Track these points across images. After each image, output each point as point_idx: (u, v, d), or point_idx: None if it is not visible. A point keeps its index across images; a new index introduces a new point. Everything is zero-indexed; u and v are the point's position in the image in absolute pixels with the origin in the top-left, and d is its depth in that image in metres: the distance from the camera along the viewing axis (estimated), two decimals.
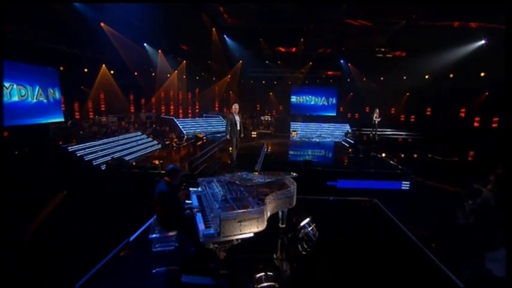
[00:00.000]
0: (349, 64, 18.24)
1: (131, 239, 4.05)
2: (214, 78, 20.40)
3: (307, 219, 3.82)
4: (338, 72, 19.59)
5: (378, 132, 14.04)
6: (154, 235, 3.20)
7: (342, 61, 18.28)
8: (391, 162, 9.07)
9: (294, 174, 4.04)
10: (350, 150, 11.64)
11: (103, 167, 7.73)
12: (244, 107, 22.06)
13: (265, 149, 10.82)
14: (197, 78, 19.81)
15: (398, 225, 5.14)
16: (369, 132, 14.24)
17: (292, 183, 3.79)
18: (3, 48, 7.57)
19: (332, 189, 7.42)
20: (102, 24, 10.95)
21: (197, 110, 21.52)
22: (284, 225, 4.14)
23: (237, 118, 7.50)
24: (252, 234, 2.79)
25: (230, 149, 7.98)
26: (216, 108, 21.71)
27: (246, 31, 15.04)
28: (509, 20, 2.79)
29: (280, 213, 3.98)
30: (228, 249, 2.91)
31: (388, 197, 6.78)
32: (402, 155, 11.04)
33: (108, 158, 8.16)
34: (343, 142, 13.80)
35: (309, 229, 3.73)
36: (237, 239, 2.79)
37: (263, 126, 17.82)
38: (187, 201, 3.91)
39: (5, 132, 7.83)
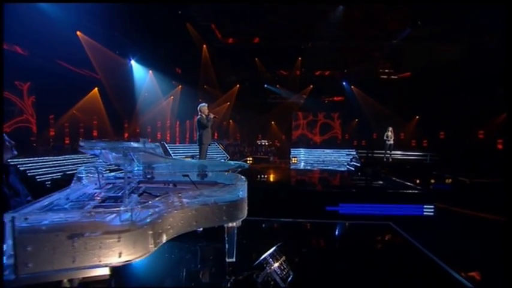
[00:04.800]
0: (352, 87, 17.22)
1: None
2: (212, 104, 19.57)
3: (273, 249, 2.19)
4: (342, 97, 18.53)
5: (391, 155, 12.22)
6: None
7: (344, 83, 17.29)
8: (407, 183, 7.37)
9: (248, 161, 2.50)
10: (358, 173, 9.99)
11: (48, 184, 6.34)
12: (243, 135, 20.98)
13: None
14: (194, 103, 19.00)
15: (428, 256, 3.42)
16: (382, 155, 12.41)
17: (242, 181, 2.24)
18: (3, 48, 6.87)
19: (333, 217, 5.74)
20: (78, 32, 10.28)
21: (195, 138, 20.52)
22: (233, 260, 2.39)
23: None
24: (107, 271, 1.26)
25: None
26: (215, 136, 20.69)
27: (240, 51, 14.37)
28: (509, 20, 2.72)
29: (226, 238, 2.32)
30: None
31: (407, 225, 5.04)
32: (418, 180, 9.29)
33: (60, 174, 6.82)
34: (348, 166, 12.14)
35: (275, 266, 2.11)
36: (71, 280, 1.26)
37: (261, 153, 16.40)
38: None
39: None
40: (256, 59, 15.29)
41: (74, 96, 12.64)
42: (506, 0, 2.79)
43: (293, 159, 15.08)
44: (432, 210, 5.79)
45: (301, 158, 15.42)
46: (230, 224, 2.11)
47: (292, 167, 13.14)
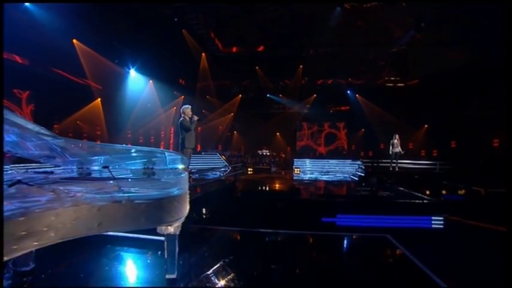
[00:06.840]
0: (357, 95, 16.74)
1: None
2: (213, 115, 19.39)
3: (218, 265, 1.72)
4: (347, 106, 18.03)
5: (398, 164, 11.41)
6: None
7: (349, 92, 16.85)
8: (414, 193, 6.75)
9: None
10: (362, 183, 9.39)
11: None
12: (247, 146, 20.59)
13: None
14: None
15: (429, 277, 2.85)
16: (388, 165, 11.70)
17: (180, 175, 1.78)
18: (3, 49, 6.86)
19: (329, 229, 5.18)
20: (74, 40, 10.31)
21: (198, 149, 20.31)
22: (174, 276, 1.88)
23: None
24: None
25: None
26: (219, 148, 20.42)
27: (241, 60, 14.20)
28: (509, 19, 2.70)
29: (165, 249, 1.80)
30: None
31: (412, 239, 4.42)
32: (428, 191, 8.58)
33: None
34: (352, 176, 11.53)
35: (220, 285, 1.65)
36: None
37: (264, 163, 15.92)
38: None
39: None
40: (257, 68, 15.09)
41: (73, 105, 12.59)
42: (507, 0, 2.79)
43: (296, 169, 14.54)
44: (442, 222, 5.18)
45: (306, 168, 14.87)
46: (171, 230, 1.68)
47: (294, 177, 12.59)
